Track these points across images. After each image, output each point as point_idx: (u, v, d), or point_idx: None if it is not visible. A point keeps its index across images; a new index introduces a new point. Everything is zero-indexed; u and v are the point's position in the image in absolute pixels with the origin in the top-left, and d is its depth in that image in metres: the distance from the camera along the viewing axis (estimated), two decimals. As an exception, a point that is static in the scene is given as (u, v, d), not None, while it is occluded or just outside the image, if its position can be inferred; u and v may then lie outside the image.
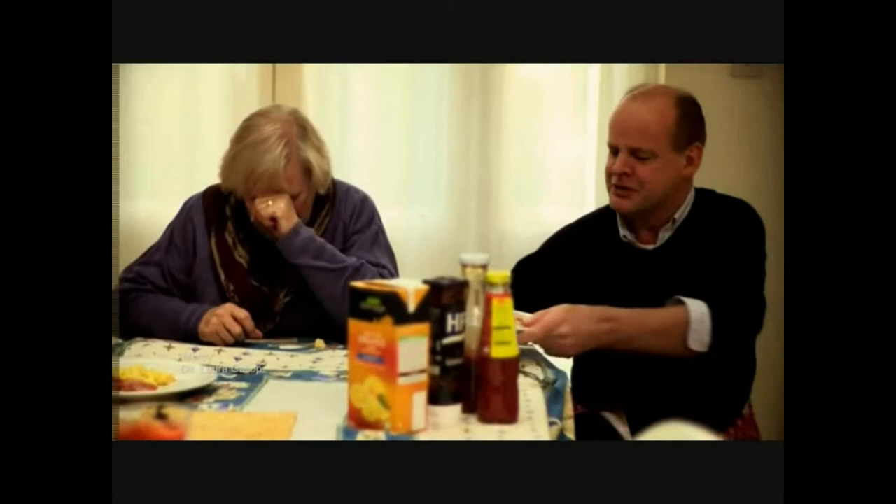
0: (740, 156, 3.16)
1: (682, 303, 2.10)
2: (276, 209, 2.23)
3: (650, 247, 2.27)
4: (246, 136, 2.24)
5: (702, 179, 2.99)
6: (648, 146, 2.18)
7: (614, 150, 2.24)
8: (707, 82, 3.14)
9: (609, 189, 2.26)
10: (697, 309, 2.09)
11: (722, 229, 2.22)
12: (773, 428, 2.69)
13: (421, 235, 3.14)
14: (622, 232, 2.28)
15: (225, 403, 1.72)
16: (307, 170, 2.25)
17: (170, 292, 2.33)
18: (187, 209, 2.40)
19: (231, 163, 2.25)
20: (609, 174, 2.25)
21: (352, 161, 3.05)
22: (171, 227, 2.40)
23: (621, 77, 3.10)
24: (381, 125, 3.14)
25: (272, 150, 2.20)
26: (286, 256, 2.25)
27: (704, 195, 2.31)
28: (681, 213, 2.25)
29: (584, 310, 2.05)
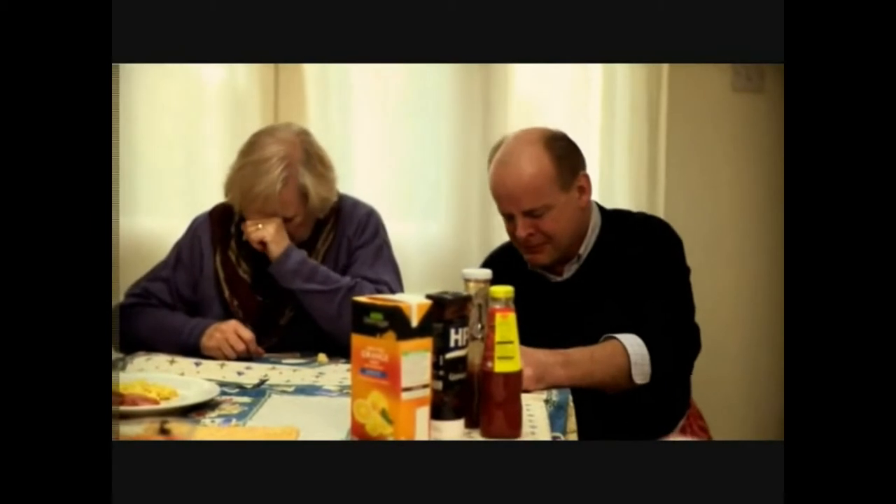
0: (741, 170, 3.16)
1: (614, 338, 2.05)
2: (265, 234, 2.22)
3: (559, 278, 2.23)
4: (250, 153, 2.24)
5: (702, 192, 2.98)
6: (541, 203, 2.13)
7: (509, 217, 2.18)
8: (708, 96, 3.15)
9: (520, 249, 2.21)
10: (632, 342, 2.03)
11: (634, 253, 2.17)
12: (772, 428, 2.68)
13: (424, 250, 3.13)
14: (530, 264, 2.24)
15: (228, 418, 1.72)
16: (304, 195, 2.24)
17: (175, 308, 2.34)
18: (195, 227, 2.41)
19: (234, 176, 2.26)
20: (513, 238, 2.20)
21: (354, 174, 3.05)
22: (179, 245, 2.41)
23: (623, 92, 3.09)
24: (382, 138, 3.14)
25: (271, 171, 2.19)
26: (278, 280, 2.25)
27: (613, 219, 2.26)
28: (585, 246, 2.21)
29: (529, 349, 1.89)
